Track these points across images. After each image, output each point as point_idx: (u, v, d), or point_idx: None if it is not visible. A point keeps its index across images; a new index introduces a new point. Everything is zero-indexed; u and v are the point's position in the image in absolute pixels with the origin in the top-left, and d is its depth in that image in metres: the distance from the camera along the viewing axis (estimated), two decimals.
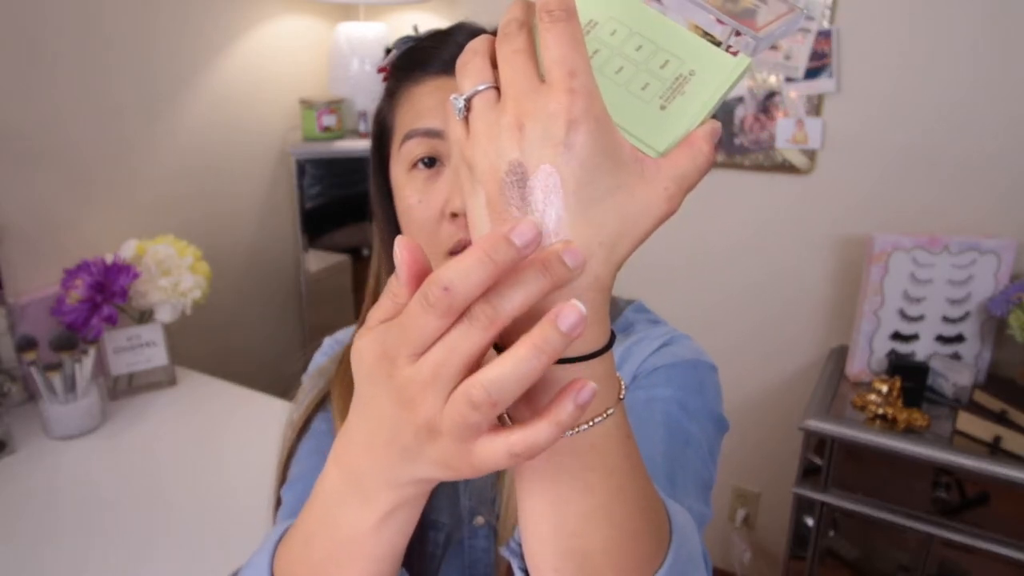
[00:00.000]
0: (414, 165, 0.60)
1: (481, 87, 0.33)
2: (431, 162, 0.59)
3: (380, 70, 0.66)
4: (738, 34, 0.32)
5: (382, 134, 0.65)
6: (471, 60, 0.34)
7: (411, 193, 0.60)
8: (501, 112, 0.32)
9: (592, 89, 0.31)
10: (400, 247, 0.32)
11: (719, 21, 0.32)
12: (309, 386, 0.73)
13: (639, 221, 0.32)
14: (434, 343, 0.30)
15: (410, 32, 0.66)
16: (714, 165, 1.83)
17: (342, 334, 0.79)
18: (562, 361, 0.32)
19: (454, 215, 0.58)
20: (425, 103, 0.59)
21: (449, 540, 0.67)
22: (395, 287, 0.32)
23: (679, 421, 0.59)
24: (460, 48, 0.59)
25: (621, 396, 0.35)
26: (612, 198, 0.31)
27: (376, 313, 0.33)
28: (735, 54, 0.33)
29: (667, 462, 0.56)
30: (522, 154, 0.31)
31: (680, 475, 0.56)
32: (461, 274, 0.28)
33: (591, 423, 0.33)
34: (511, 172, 0.31)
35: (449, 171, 0.59)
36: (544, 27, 0.32)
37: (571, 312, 0.28)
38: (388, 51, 0.66)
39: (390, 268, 0.67)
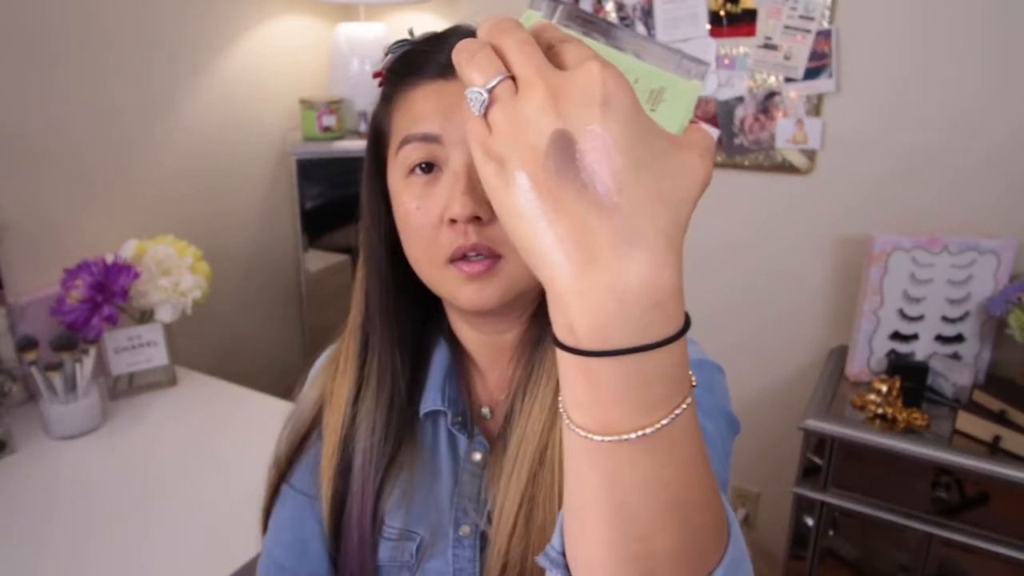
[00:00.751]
0: (411, 171, 0.59)
1: (500, 78, 0.32)
2: (428, 167, 0.59)
3: (375, 75, 0.65)
4: (686, 64, 0.36)
5: (378, 139, 0.64)
6: (478, 53, 0.33)
7: (409, 199, 0.59)
8: (526, 97, 0.31)
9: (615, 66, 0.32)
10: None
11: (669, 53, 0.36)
12: (294, 414, 0.73)
13: (689, 185, 0.32)
14: None
15: (406, 35, 0.65)
16: (715, 165, 1.82)
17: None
18: (636, 350, 0.30)
19: (453, 221, 0.57)
20: (422, 107, 0.59)
21: (424, 551, 0.66)
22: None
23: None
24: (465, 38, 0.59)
25: (694, 383, 0.34)
26: (660, 161, 0.31)
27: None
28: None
29: None
30: (564, 122, 0.30)
31: None
32: None
33: (672, 416, 0.31)
34: (556, 143, 0.30)
35: (448, 176, 0.58)
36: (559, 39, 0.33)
37: None
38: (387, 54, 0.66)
39: (379, 274, 0.66)
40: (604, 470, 0.32)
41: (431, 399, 0.67)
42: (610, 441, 0.31)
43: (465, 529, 0.65)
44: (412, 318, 0.68)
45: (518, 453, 0.61)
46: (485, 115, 0.33)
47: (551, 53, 0.33)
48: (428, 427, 0.68)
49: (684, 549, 0.34)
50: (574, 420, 0.33)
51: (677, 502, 0.33)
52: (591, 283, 0.30)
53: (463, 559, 0.65)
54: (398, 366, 0.66)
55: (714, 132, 1.77)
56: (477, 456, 0.66)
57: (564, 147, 0.30)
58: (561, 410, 0.34)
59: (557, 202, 0.30)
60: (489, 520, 0.64)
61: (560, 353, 0.32)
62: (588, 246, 0.30)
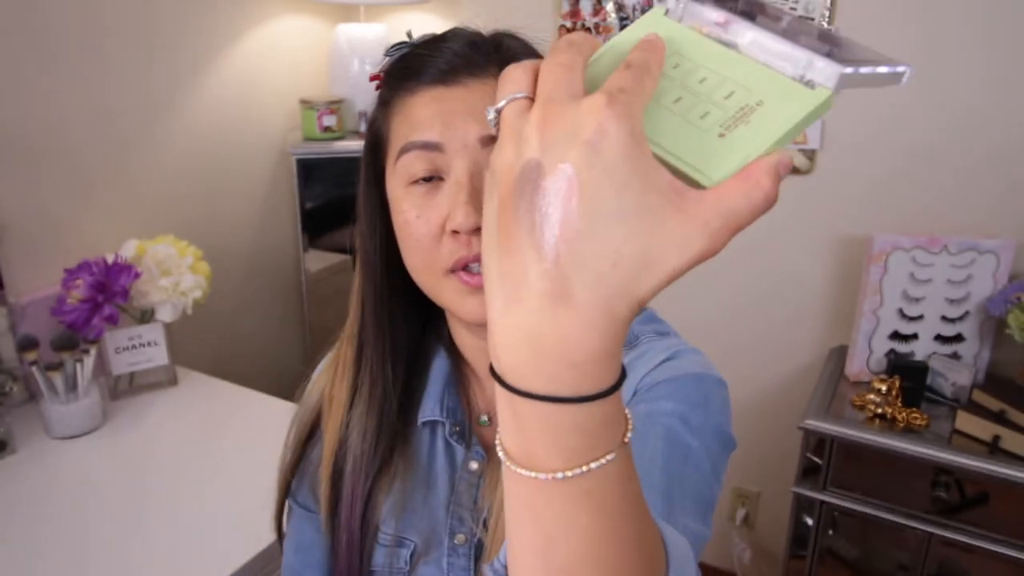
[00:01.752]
0: (412, 179, 0.58)
1: (516, 95, 0.30)
2: (429, 176, 0.58)
3: (373, 78, 0.64)
4: (826, 58, 0.28)
5: (376, 144, 0.63)
6: (512, 71, 0.31)
7: (409, 207, 0.58)
8: (525, 119, 0.29)
9: (634, 106, 0.28)
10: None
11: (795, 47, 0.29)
12: (297, 416, 0.74)
13: (668, 254, 0.28)
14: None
15: (403, 37, 0.64)
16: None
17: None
18: (548, 399, 0.29)
19: (455, 232, 0.56)
20: (421, 114, 0.57)
21: (418, 558, 0.66)
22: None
23: (680, 436, 0.56)
24: (455, 55, 0.58)
25: (626, 439, 0.32)
26: (637, 220, 0.27)
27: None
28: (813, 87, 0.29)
29: (665, 478, 0.53)
30: (542, 153, 0.28)
31: (678, 493, 0.53)
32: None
33: (586, 468, 0.30)
34: (526, 171, 0.28)
35: (449, 185, 0.57)
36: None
37: None
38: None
39: (373, 284, 0.65)
40: (526, 501, 0.32)
41: (429, 409, 0.67)
42: (529, 476, 0.31)
43: (460, 537, 0.65)
44: (409, 326, 0.68)
45: None
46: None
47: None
48: (425, 435, 0.68)
49: None
50: (503, 443, 0.32)
51: (596, 549, 0.32)
52: (514, 321, 0.29)
53: (458, 567, 0.65)
54: (389, 377, 0.66)
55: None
56: (474, 465, 0.66)
57: (531, 180, 0.28)
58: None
59: (509, 234, 0.29)
60: (485, 527, 0.63)
61: None
62: (519, 287, 0.28)
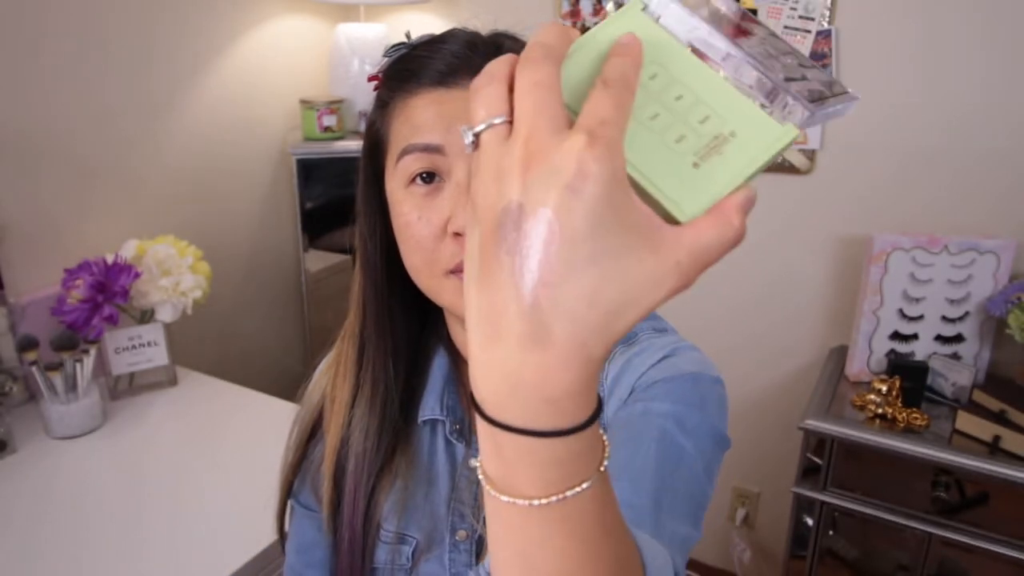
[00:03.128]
0: (412, 180, 0.58)
1: (494, 121, 0.30)
2: (430, 177, 0.58)
3: (371, 78, 0.64)
4: (795, 98, 0.29)
5: (375, 145, 0.63)
6: (486, 86, 0.31)
7: (410, 209, 0.58)
8: (506, 151, 0.29)
9: (617, 143, 0.28)
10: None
11: (770, 85, 0.30)
12: (299, 416, 0.74)
13: (645, 292, 0.29)
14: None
15: (403, 37, 0.64)
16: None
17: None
18: (526, 433, 0.30)
19: (457, 234, 0.56)
20: (421, 117, 0.58)
21: (420, 554, 0.67)
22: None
23: (673, 438, 0.56)
24: (454, 57, 0.58)
25: (602, 467, 0.32)
26: (616, 260, 0.28)
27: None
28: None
29: (656, 483, 0.54)
30: (523, 195, 0.28)
31: (668, 496, 0.54)
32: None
33: (562, 496, 0.31)
34: (507, 213, 0.28)
35: (451, 187, 0.57)
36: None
37: None
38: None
39: (374, 284, 0.65)
40: (505, 522, 0.33)
41: (429, 407, 0.67)
42: (508, 502, 0.31)
43: (461, 534, 0.65)
44: (409, 325, 0.68)
45: None
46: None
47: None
48: (426, 433, 0.69)
49: None
50: (483, 469, 0.33)
51: (573, 569, 0.33)
52: (492, 359, 0.29)
53: (459, 563, 0.65)
54: (391, 376, 0.67)
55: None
56: (474, 462, 0.66)
57: (514, 220, 0.28)
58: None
59: (490, 272, 0.29)
60: (486, 524, 0.64)
61: None
62: (499, 325, 0.29)
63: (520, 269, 0.28)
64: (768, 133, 0.29)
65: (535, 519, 0.32)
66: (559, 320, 0.28)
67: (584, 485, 0.31)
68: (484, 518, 0.63)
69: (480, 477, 0.33)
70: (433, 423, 0.68)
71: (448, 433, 0.67)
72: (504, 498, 0.31)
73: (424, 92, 0.58)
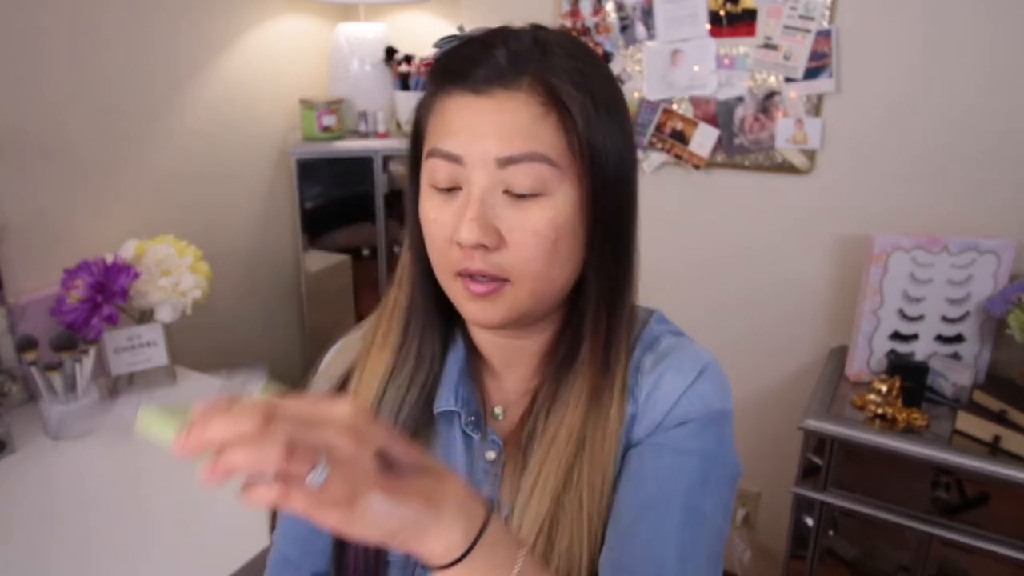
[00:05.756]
0: (433, 184, 0.60)
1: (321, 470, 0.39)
2: (448, 187, 0.59)
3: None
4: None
5: (417, 131, 0.64)
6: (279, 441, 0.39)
7: (430, 208, 0.60)
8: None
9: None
10: None
11: None
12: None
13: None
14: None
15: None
16: (715, 165, 1.84)
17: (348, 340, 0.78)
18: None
19: (459, 243, 0.58)
20: (450, 121, 0.58)
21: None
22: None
23: (697, 503, 0.60)
24: (492, 68, 0.58)
25: (515, 572, 0.44)
26: None
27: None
28: None
29: (678, 556, 0.58)
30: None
31: (691, 558, 0.58)
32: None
33: None
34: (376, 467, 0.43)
35: (463, 197, 0.58)
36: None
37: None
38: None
39: (422, 261, 0.66)
40: None
41: (445, 399, 0.68)
42: None
43: None
44: (442, 314, 0.69)
45: (540, 473, 0.62)
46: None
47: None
48: (443, 425, 0.69)
49: None
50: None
51: None
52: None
53: None
54: (427, 357, 0.68)
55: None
56: (491, 455, 0.67)
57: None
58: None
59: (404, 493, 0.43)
60: (504, 519, 0.64)
61: None
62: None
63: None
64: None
65: None
66: None
67: None
68: (503, 513, 0.64)
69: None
70: (449, 415, 0.69)
71: (463, 425, 0.68)
72: None
73: (458, 95, 0.58)
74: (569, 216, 0.58)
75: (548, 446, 0.62)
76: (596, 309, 0.63)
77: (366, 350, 0.70)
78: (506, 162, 0.56)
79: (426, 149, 0.61)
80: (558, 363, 0.65)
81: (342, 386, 0.72)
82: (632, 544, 0.58)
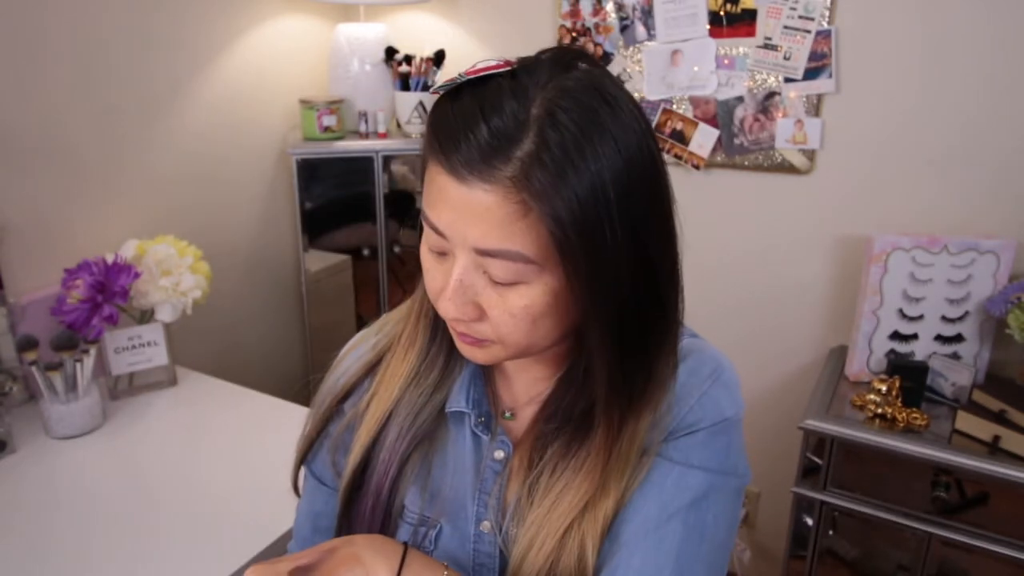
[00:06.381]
0: (426, 238, 0.59)
1: None
2: (439, 251, 0.58)
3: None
4: None
5: (424, 164, 0.61)
6: None
7: (426, 257, 0.60)
8: None
9: None
10: None
11: None
12: (325, 390, 0.75)
13: None
14: None
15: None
16: (714, 165, 1.84)
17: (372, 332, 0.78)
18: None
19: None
20: (436, 198, 0.55)
21: (443, 539, 0.68)
22: None
23: (699, 517, 0.62)
24: (476, 149, 0.53)
25: None
26: None
27: None
28: None
29: (677, 560, 0.59)
30: None
31: (688, 572, 0.60)
32: None
33: None
34: None
35: (449, 263, 0.57)
36: None
37: None
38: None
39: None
40: None
41: (456, 400, 0.69)
42: None
43: (486, 524, 0.67)
44: None
45: (536, 536, 0.62)
46: None
47: None
48: (454, 424, 0.71)
49: None
50: None
51: None
52: None
53: (483, 554, 0.67)
54: (455, 361, 0.70)
55: None
56: (499, 454, 0.68)
57: None
58: None
59: None
60: (511, 519, 0.65)
61: None
62: None
63: None
64: None
65: None
66: None
67: None
68: (504, 511, 0.66)
69: None
70: (460, 416, 0.70)
71: (473, 426, 0.69)
72: None
73: (444, 172, 0.54)
74: (549, 302, 0.56)
75: (548, 509, 0.62)
76: (601, 346, 0.59)
77: (391, 350, 0.72)
78: (483, 253, 0.54)
79: (422, 199, 0.59)
80: (567, 375, 0.66)
81: (368, 372, 0.73)
82: (631, 559, 0.59)
